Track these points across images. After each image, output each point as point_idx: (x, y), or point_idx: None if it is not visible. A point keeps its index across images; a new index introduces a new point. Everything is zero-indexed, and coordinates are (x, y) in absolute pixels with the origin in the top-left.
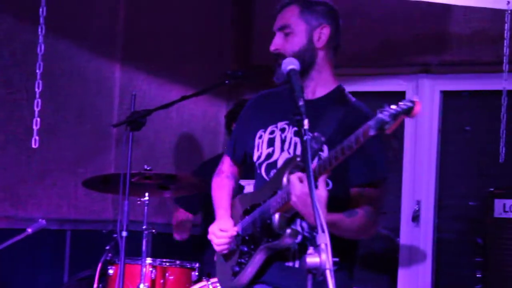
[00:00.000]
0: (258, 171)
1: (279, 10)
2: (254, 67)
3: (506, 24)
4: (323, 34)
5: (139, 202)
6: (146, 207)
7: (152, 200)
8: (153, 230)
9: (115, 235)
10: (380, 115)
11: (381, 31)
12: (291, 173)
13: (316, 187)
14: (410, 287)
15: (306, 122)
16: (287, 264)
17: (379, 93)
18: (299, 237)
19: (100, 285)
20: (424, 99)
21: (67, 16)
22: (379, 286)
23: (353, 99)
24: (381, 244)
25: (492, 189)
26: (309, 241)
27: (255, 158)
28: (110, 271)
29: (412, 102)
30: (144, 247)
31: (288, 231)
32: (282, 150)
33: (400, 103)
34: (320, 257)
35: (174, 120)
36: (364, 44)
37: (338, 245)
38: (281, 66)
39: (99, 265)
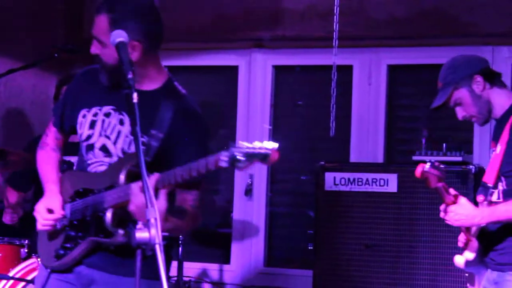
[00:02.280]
0: (80, 150)
1: (95, 14)
2: (86, 40)
3: (336, 0)
4: (135, 49)
5: None
6: None
7: None
8: None
9: None
10: (235, 152)
11: (214, 5)
12: (130, 172)
13: (157, 197)
14: (244, 261)
15: (135, 95)
16: (110, 253)
17: (212, 67)
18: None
19: None
20: (256, 74)
21: None
22: (213, 260)
23: (183, 92)
24: (214, 219)
25: (322, 163)
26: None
27: (78, 135)
28: None
29: (269, 150)
30: None
31: (121, 231)
32: (100, 135)
33: (257, 145)
34: (150, 232)
35: (2, 94)
36: (197, 18)
37: None
38: (111, 39)
39: None
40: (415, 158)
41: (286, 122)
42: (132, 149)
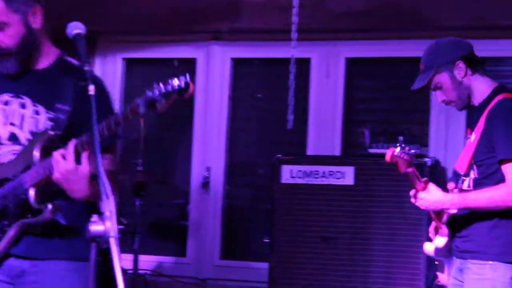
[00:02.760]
0: None
1: None
2: None
3: None
4: (37, 15)
5: None
6: None
7: None
8: None
9: None
10: (149, 93)
11: None
12: (44, 147)
13: (79, 162)
14: (200, 254)
15: (92, 88)
16: (37, 237)
17: (171, 60)
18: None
19: None
20: (215, 66)
21: None
22: (169, 253)
23: (77, 63)
24: (170, 212)
25: (279, 156)
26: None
27: None
28: None
29: (186, 83)
30: None
31: (50, 206)
32: (5, 124)
33: (172, 81)
34: (105, 224)
35: None
36: (155, 11)
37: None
38: (66, 30)
39: None
40: (371, 151)
41: (244, 115)
42: (40, 127)
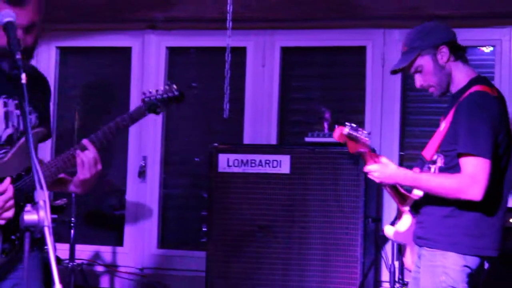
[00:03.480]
0: None
1: None
2: None
3: None
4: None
5: None
6: None
7: None
8: None
9: None
10: (150, 99)
11: None
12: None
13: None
14: (137, 243)
15: (23, 76)
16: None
17: (106, 48)
18: None
19: None
20: (150, 55)
21: None
22: (106, 243)
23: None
24: (107, 201)
25: (216, 145)
26: None
27: None
28: None
29: (177, 90)
30: None
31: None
32: (7, 126)
33: (167, 88)
34: (38, 214)
35: None
36: None
37: None
38: None
39: None
40: (307, 139)
41: (180, 104)
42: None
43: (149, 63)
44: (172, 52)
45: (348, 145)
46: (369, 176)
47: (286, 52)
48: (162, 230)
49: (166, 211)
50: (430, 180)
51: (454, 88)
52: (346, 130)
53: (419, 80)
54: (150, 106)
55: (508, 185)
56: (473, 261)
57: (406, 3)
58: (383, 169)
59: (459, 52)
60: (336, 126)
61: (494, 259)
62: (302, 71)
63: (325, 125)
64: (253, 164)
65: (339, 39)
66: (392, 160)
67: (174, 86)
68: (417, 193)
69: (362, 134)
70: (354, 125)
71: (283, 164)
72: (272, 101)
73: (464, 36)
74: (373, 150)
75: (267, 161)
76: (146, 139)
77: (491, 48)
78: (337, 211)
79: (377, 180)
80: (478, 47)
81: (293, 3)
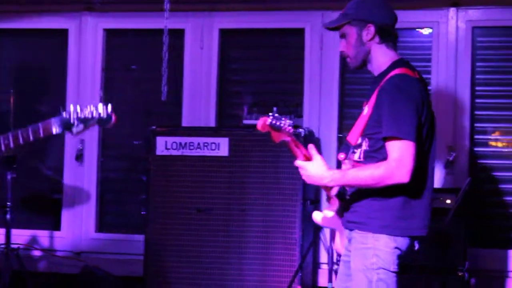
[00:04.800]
0: None
1: None
2: None
3: None
4: None
5: None
6: None
7: None
8: None
9: None
10: (66, 116)
11: None
12: None
13: None
14: (75, 227)
15: None
16: None
17: (42, 30)
18: None
19: None
20: (87, 37)
21: None
22: (43, 227)
23: None
24: (44, 185)
25: (154, 127)
26: None
27: None
28: None
29: (109, 115)
30: None
31: None
32: None
33: (93, 108)
34: None
35: None
36: None
37: None
38: None
39: None
40: (245, 122)
41: (118, 87)
42: None
43: (86, 45)
44: (110, 34)
45: (272, 135)
46: (299, 170)
47: (225, 34)
48: (100, 214)
49: (105, 194)
50: (358, 175)
51: (375, 71)
52: (269, 120)
53: (341, 46)
54: (65, 123)
55: (432, 164)
56: (403, 242)
57: None
58: (310, 168)
59: (388, 37)
60: (260, 117)
61: (424, 239)
62: (241, 53)
63: (245, 109)
64: (191, 147)
65: (277, 21)
66: (331, 143)
67: (106, 108)
68: None
69: (285, 124)
70: (276, 114)
71: (221, 147)
72: (211, 84)
73: (402, 17)
74: (298, 138)
75: (206, 144)
76: None
77: (430, 30)
78: (276, 193)
79: (306, 181)
80: (417, 29)
81: None
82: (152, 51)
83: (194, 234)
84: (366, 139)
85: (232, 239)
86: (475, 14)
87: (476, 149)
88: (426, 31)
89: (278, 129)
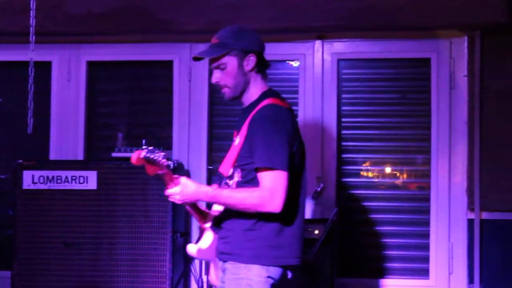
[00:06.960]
0: None
1: None
2: None
3: None
4: None
5: None
6: None
7: None
8: None
9: None
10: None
11: None
12: None
13: None
14: None
15: None
16: None
17: None
18: None
19: None
20: None
21: None
22: None
23: None
24: None
25: (20, 161)
26: None
27: None
28: None
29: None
30: None
31: None
32: None
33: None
34: None
35: None
36: None
37: None
38: None
39: None
40: (114, 155)
41: None
42: None
43: None
44: None
45: (146, 168)
46: (170, 199)
47: (92, 66)
48: None
49: None
50: (232, 195)
51: (246, 101)
52: (143, 153)
53: (216, 77)
54: None
55: (304, 193)
56: (275, 272)
57: (211, 16)
58: (183, 189)
59: (264, 67)
60: (132, 149)
61: (297, 268)
62: (109, 85)
63: (115, 141)
64: (59, 181)
65: (146, 53)
66: (201, 175)
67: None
68: (217, 209)
69: (159, 157)
70: (151, 147)
71: (89, 180)
72: (79, 116)
73: (270, 50)
74: (172, 170)
75: (74, 177)
76: None
77: (299, 63)
78: (145, 226)
79: (179, 202)
80: (287, 61)
81: (97, 17)
82: (19, 84)
83: (62, 268)
84: (239, 170)
85: (101, 273)
86: (340, 46)
87: (343, 179)
88: (296, 63)
89: (153, 162)
